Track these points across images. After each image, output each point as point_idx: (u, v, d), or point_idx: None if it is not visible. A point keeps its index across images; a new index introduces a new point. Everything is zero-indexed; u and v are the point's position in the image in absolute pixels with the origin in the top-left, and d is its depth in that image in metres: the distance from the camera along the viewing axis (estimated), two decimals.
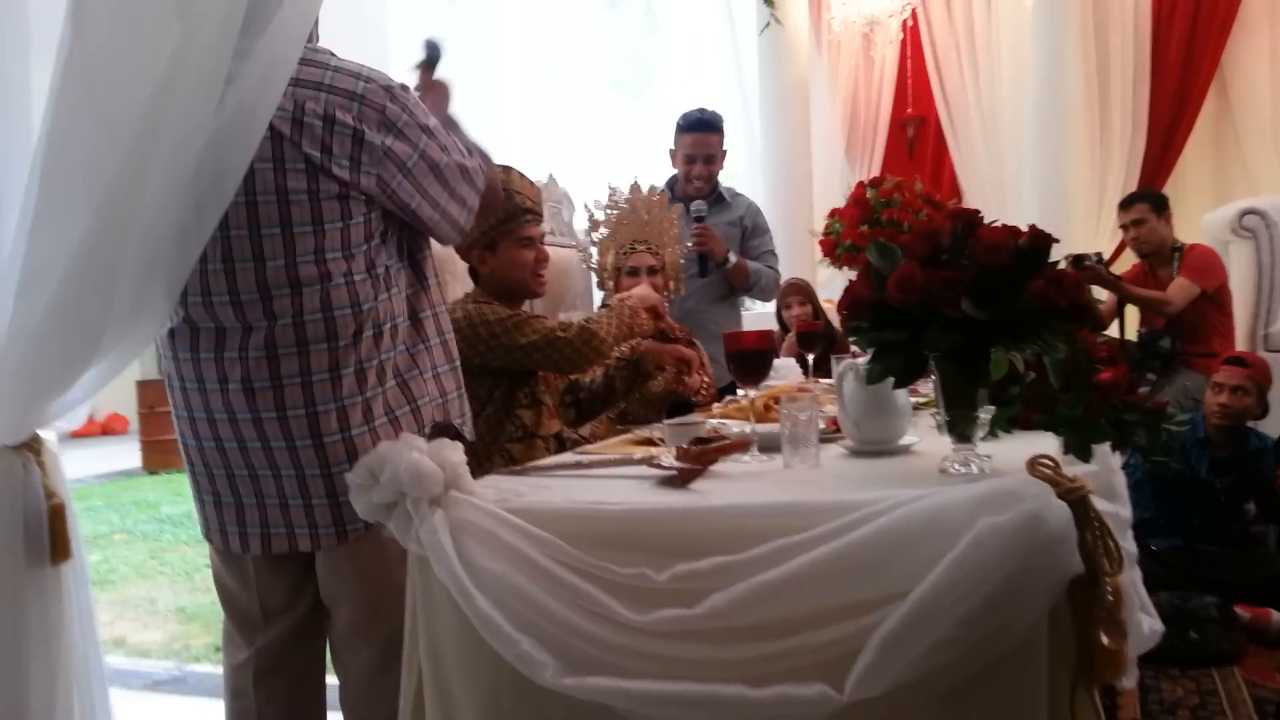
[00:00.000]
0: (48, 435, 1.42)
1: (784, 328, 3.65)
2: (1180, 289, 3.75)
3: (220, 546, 1.56)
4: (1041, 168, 5.17)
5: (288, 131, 1.38)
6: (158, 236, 1.28)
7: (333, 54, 1.49)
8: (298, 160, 1.39)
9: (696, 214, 3.07)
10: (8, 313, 1.22)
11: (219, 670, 3.21)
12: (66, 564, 1.37)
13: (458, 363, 1.66)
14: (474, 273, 2.22)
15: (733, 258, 3.12)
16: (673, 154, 3.29)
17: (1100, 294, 4.04)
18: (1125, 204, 4.05)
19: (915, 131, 6.53)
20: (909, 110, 6.48)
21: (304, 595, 1.57)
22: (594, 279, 2.84)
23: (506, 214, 2.10)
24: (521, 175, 2.19)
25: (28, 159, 1.24)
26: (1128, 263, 4.36)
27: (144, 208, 1.24)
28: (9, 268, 1.24)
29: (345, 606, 1.52)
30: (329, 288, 1.43)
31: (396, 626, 1.35)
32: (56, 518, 1.35)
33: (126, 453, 8.63)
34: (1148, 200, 3.97)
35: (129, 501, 6.79)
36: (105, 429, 10.24)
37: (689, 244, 3.00)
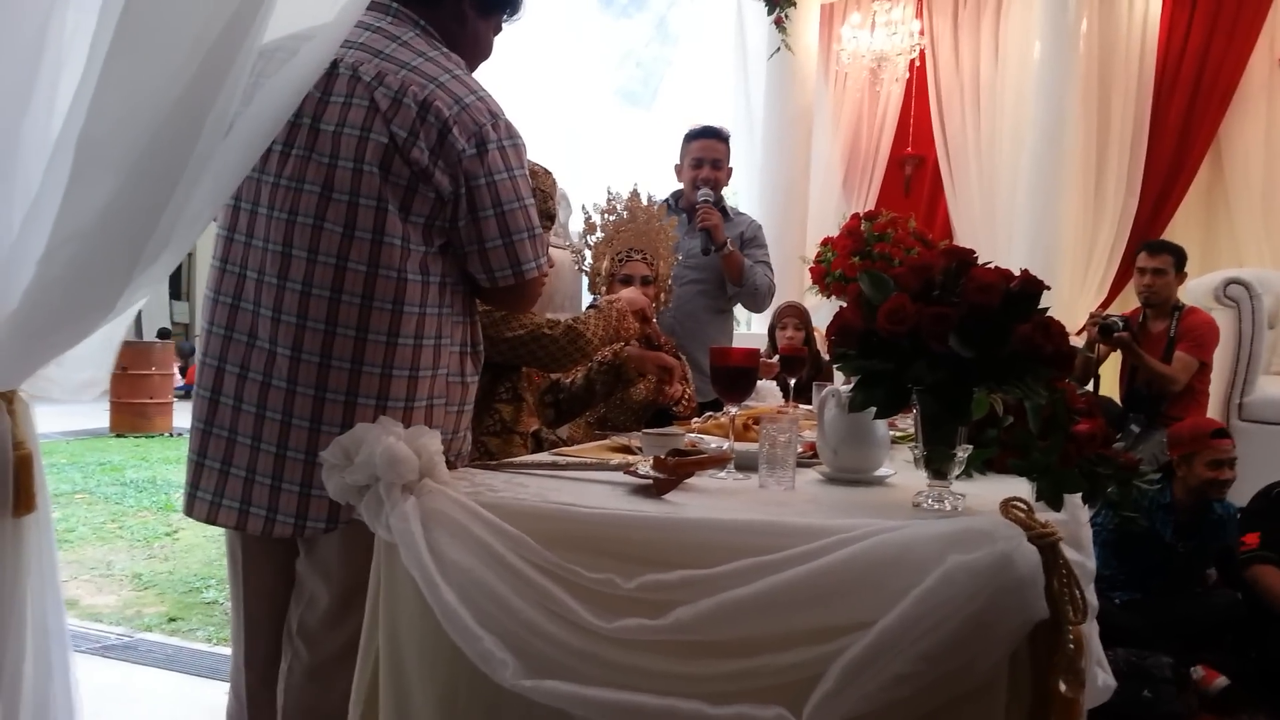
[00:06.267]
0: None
1: (775, 346, 3.66)
2: (1185, 367, 3.85)
3: (187, 511, 1.52)
4: (1033, 219, 5.23)
5: (384, 107, 1.40)
6: (195, 186, 1.21)
7: (465, 71, 1.49)
8: (383, 134, 1.40)
9: (703, 198, 3.13)
10: (27, 276, 1.17)
11: (171, 641, 3.19)
12: (30, 517, 1.34)
13: (470, 405, 1.62)
14: None
15: (730, 246, 3.18)
16: (678, 169, 3.32)
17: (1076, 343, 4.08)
18: (1154, 249, 4.03)
19: (913, 170, 6.58)
20: (909, 149, 6.54)
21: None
22: (585, 281, 2.83)
23: (541, 215, 2.10)
24: (555, 184, 2.18)
25: (45, 136, 1.20)
26: (1119, 310, 4.42)
27: (190, 161, 1.18)
28: (32, 236, 1.18)
29: (325, 594, 1.48)
30: (376, 274, 1.41)
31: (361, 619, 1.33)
32: (23, 469, 1.32)
33: (95, 412, 8.52)
34: (1174, 254, 3.98)
35: (93, 462, 6.72)
36: None
37: (696, 206, 3.09)
